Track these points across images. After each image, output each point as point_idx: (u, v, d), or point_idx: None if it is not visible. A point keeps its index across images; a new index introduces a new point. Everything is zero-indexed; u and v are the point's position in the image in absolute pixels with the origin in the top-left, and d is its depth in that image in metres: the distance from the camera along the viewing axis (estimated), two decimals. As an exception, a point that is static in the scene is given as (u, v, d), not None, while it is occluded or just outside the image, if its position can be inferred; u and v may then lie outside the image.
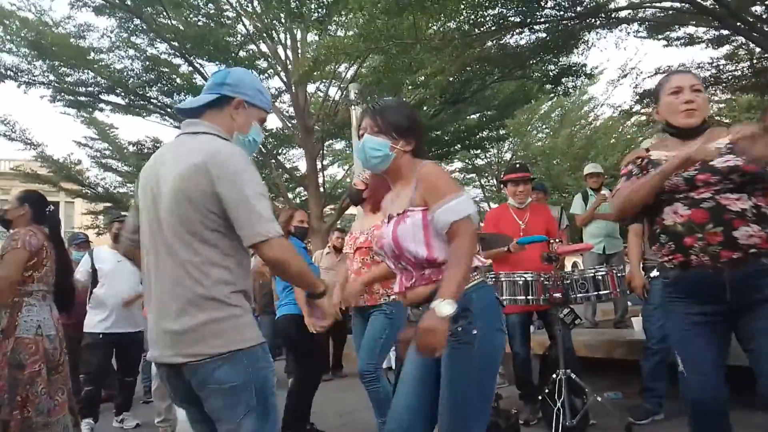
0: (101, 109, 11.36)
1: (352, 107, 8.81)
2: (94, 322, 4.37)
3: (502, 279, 3.41)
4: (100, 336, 4.34)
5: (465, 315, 1.76)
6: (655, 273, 3.46)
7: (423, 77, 9.86)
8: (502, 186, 4.17)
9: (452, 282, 1.69)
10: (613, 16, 8.61)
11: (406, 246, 1.85)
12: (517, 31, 8.51)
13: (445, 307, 1.64)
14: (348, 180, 12.77)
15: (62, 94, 10.63)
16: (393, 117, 1.96)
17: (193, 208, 1.63)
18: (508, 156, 18.24)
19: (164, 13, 10.13)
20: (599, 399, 3.21)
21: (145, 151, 11.93)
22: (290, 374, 5.70)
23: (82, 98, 10.90)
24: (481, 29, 8.09)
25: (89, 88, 10.70)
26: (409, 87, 10.92)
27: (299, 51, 11.36)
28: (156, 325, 1.69)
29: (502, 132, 13.09)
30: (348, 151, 13.84)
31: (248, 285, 1.72)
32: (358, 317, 3.46)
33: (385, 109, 2.00)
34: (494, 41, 8.79)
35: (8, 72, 10.06)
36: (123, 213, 6.17)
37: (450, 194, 1.78)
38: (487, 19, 8.03)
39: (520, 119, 16.13)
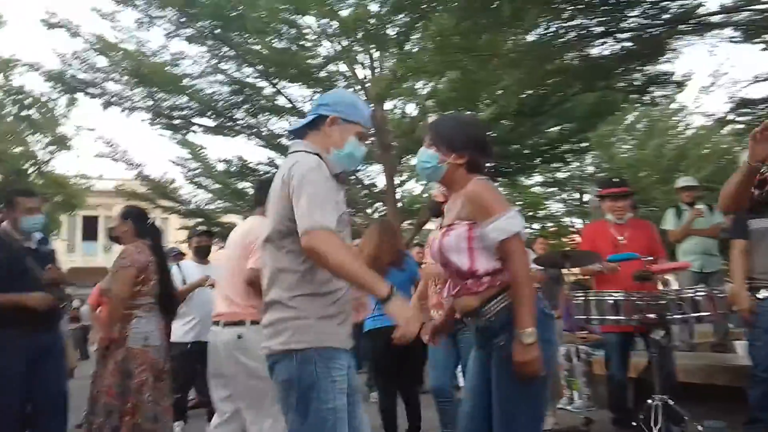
0: (193, 131, 12.07)
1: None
2: (182, 332, 4.64)
3: (591, 298, 3.29)
4: (188, 345, 4.60)
5: (507, 329, 1.85)
6: (764, 294, 3.22)
7: (500, 91, 9.76)
8: (599, 200, 4.03)
9: (523, 311, 1.80)
10: (703, 21, 8.16)
11: (449, 257, 1.96)
12: (600, 41, 8.25)
13: (526, 338, 1.77)
14: (425, 196, 12.81)
15: (159, 117, 11.41)
16: (445, 131, 2.06)
17: (277, 217, 1.85)
18: (591, 169, 17.61)
19: (250, 39, 10.67)
20: (700, 428, 3.03)
21: (232, 169, 12.51)
22: (372, 387, 5.76)
23: (176, 121, 11.64)
24: (562, 41, 7.91)
25: (183, 112, 11.42)
26: (486, 101, 10.83)
27: (377, 69, 11.58)
28: None
29: (584, 144, 12.67)
30: (425, 167, 13.87)
31: (324, 288, 1.82)
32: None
33: (440, 124, 2.15)
34: (575, 52, 8.57)
35: (113, 99, 10.94)
36: (198, 228, 6.59)
37: (498, 212, 1.86)
38: (568, 30, 7.85)
39: (602, 130, 15.56)
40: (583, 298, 3.32)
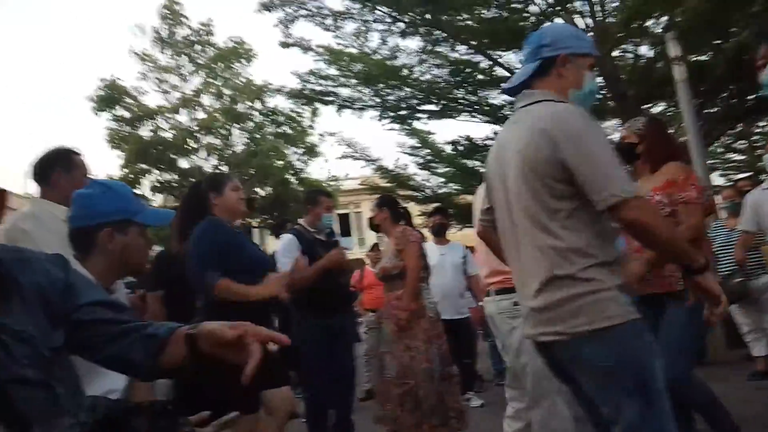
0: (419, 119, 12.56)
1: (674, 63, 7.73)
2: None
3: None
4: None
5: None
6: None
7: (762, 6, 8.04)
8: None
9: None
10: None
11: None
12: None
13: None
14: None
15: (386, 111, 12.11)
16: None
17: (539, 181, 1.58)
18: None
19: (459, 17, 10.62)
20: None
21: (459, 148, 12.68)
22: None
23: (403, 112, 12.23)
24: None
25: (407, 102, 11.95)
26: (740, 22, 9.02)
27: (598, 16, 10.53)
28: (521, 303, 1.74)
29: None
30: (670, 112, 12.26)
31: (611, 255, 1.57)
32: (643, 309, 2.92)
33: None
34: None
35: (345, 102, 11.95)
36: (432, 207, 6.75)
37: None
38: None
39: None
40: None
